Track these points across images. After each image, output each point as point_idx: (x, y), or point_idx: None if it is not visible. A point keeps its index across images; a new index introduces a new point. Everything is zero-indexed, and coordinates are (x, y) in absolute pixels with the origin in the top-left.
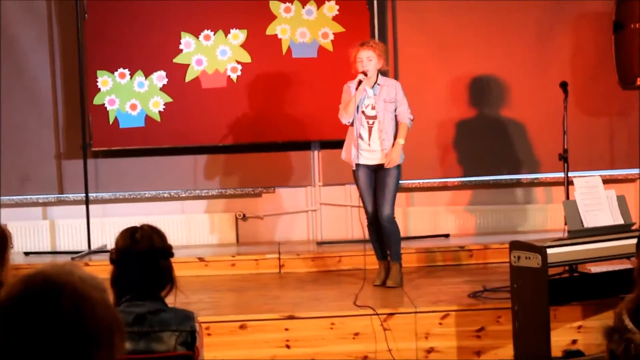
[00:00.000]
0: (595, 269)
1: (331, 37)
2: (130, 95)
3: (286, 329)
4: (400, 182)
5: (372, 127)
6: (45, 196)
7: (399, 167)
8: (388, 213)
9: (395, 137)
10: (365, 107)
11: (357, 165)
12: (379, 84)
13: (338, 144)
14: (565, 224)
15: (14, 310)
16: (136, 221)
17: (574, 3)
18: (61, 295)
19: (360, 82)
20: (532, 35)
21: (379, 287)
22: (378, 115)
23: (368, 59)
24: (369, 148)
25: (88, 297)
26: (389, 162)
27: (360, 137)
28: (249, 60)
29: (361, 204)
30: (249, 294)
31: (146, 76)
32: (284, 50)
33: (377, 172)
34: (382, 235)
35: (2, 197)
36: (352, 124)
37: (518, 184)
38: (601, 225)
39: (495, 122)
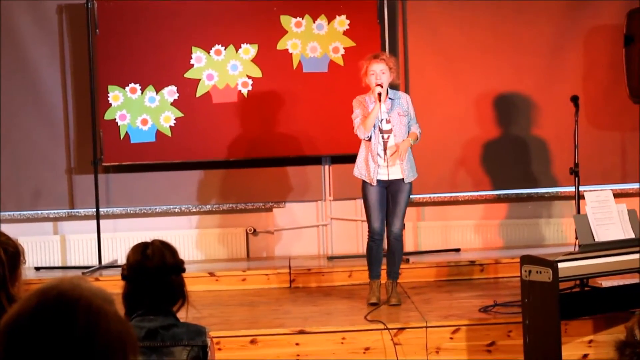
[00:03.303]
0: (606, 283)
1: (342, 51)
2: (141, 110)
3: (297, 344)
4: (410, 197)
5: (387, 141)
6: (56, 211)
7: (410, 184)
8: (399, 230)
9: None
10: (380, 122)
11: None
12: (391, 98)
13: (349, 159)
14: (577, 238)
15: (28, 325)
16: (147, 236)
17: (585, 17)
18: (76, 309)
19: (380, 94)
20: (543, 50)
21: (375, 304)
22: (394, 129)
23: (382, 71)
24: (385, 164)
25: (102, 310)
26: (399, 152)
27: (377, 153)
28: (260, 75)
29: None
30: (259, 309)
31: (157, 91)
32: (295, 64)
33: (388, 187)
34: (380, 253)
35: (14, 212)
36: (369, 139)
37: (529, 198)
38: (612, 239)
39: (506, 137)
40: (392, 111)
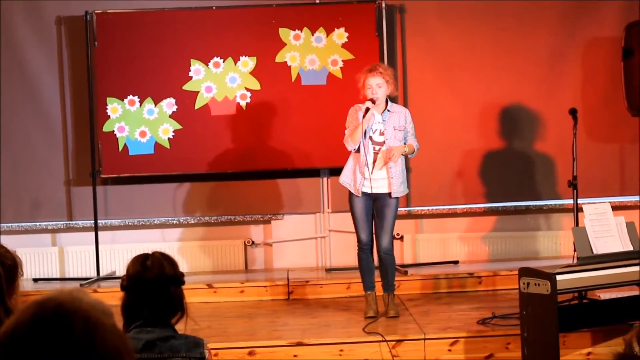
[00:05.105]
0: (604, 295)
1: (340, 64)
2: (139, 122)
3: (295, 356)
4: (409, 209)
5: (377, 153)
6: (54, 223)
7: (397, 199)
8: (388, 245)
9: (401, 167)
10: (373, 133)
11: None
12: (388, 110)
13: None
14: (575, 250)
15: (25, 337)
16: (145, 248)
17: (584, 29)
18: (73, 321)
19: (367, 109)
20: (542, 61)
21: (373, 318)
22: (386, 142)
23: (378, 85)
24: (373, 176)
25: (99, 322)
26: (391, 154)
27: (366, 164)
28: (258, 87)
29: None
30: (257, 321)
31: (156, 103)
32: (293, 77)
33: (376, 201)
34: (371, 263)
35: (12, 224)
36: (357, 151)
37: (527, 210)
38: (611, 251)
39: (505, 149)
40: (387, 123)
